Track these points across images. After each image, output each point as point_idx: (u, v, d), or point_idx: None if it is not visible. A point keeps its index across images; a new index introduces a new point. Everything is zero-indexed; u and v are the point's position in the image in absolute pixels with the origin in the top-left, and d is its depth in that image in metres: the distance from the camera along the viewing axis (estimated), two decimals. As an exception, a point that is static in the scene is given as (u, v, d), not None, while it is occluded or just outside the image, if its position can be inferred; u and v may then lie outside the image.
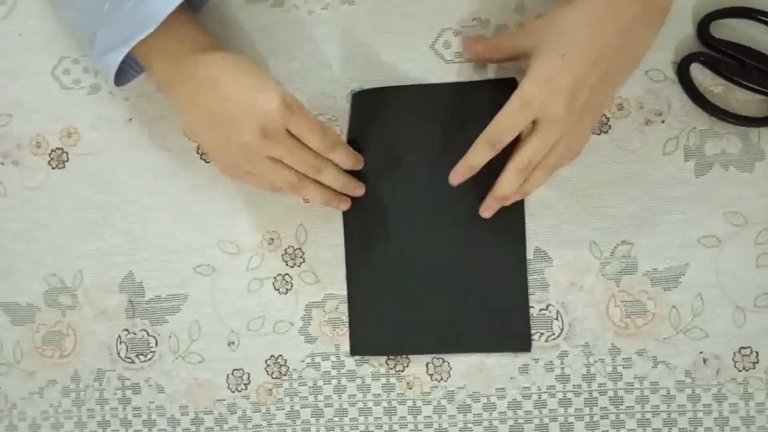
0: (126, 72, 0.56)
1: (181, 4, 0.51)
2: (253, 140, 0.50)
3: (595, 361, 0.57)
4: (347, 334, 0.59)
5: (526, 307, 0.57)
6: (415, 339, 0.58)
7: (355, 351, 0.59)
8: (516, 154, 0.51)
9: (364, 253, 0.58)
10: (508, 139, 0.50)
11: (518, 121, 0.49)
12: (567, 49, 0.48)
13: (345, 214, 0.58)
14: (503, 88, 0.53)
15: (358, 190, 0.56)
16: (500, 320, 0.57)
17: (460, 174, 0.52)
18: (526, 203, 0.57)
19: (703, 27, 0.56)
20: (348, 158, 0.55)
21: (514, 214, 0.57)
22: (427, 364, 0.59)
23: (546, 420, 0.58)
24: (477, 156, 0.51)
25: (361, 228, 0.58)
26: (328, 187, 0.55)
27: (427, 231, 0.57)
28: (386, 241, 0.58)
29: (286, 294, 0.59)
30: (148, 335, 0.60)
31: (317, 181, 0.54)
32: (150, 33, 0.50)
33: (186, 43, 0.53)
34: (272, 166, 0.52)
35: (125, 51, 0.51)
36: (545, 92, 0.48)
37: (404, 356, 0.59)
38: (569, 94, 0.48)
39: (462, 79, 0.58)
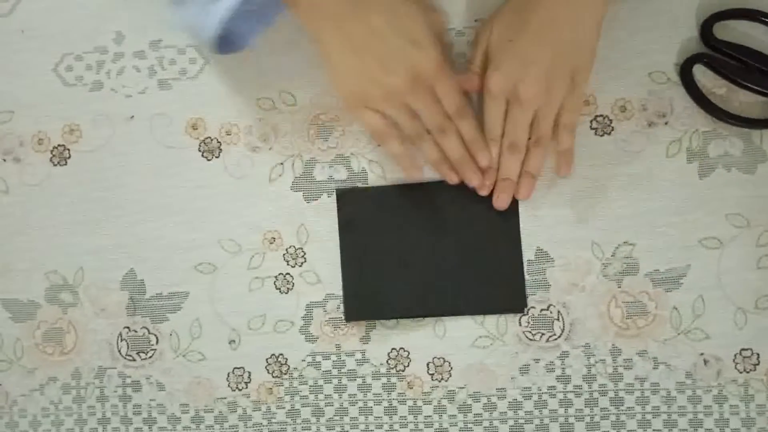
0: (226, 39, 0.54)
1: None
2: (403, 84, 0.52)
3: (596, 362, 0.57)
4: (348, 334, 0.59)
5: (521, 265, 0.57)
6: (408, 302, 0.58)
7: (349, 317, 0.58)
8: (503, 136, 0.56)
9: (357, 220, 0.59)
10: (498, 130, 0.55)
11: (496, 113, 0.55)
12: (513, 35, 0.53)
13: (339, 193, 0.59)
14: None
15: (476, 161, 0.56)
16: (494, 280, 0.57)
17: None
18: (528, 203, 0.57)
19: (706, 28, 0.56)
20: (471, 129, 0.55)
21: None
22: (427, 364, 0.59)
23: (546, 420, 0.58)
24: (485, 156, 0.56)
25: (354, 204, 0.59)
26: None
27: (423, 204, 0.58)
28: (379, 211, 0.58)
29: (287, 294, 0.59)
30: (149, 333, 0.60)
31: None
32: None
33: None
34: (403, 111, 0.54)
35: None
36: (501, 79, 0.53)
37: (405, 356, 0.59)
38: (522, 72, 0.52)
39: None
